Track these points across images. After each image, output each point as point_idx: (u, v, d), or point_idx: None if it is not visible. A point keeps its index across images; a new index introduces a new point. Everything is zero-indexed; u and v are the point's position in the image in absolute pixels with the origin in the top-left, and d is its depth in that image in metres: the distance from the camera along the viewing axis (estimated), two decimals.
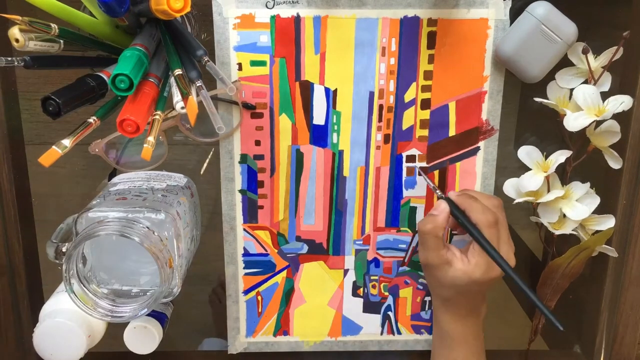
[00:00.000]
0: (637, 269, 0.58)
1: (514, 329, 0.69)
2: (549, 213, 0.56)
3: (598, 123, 0.53)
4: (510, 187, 0.56)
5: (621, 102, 0.51)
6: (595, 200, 0.55)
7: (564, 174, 0.56)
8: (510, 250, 0.53)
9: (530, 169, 0.55)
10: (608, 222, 0.55)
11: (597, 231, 0.56)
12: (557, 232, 0.56)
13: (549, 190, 0.55)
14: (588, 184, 0.55)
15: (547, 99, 0.55)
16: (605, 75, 0.53)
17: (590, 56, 0.52)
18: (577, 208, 0.55)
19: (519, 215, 0.65)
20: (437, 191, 0.55)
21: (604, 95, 0.52)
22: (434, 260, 0.52)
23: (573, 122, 0.51)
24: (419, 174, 0.57)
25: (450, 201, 0.53)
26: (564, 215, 0.55)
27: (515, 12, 0.53)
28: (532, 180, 0.54)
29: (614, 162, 0.54)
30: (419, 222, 0.54)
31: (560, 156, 0.54)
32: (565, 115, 0.52)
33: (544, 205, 0.56)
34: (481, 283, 0.52)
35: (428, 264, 0.53)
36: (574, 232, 0.56)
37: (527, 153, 0.55)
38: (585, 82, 0.53)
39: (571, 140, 0.55)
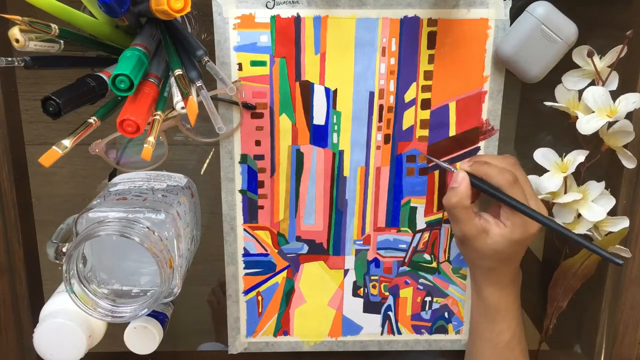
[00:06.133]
0: (637, 269, 0.58)
1: None
2: (564, 214, 0.56)
3: (610, 123, 0.53)
4: None
5: (633, 102, 0.50)
6: (611, 201, 0.55)
7: (578, 174, 0.56)
8: (539, 201, 0.52)
9: (527, 169, 0.55)
10: (622, 223, 0.55)
11: (610, 232, 0.56)
12: None
13: (566, 190, 0.55)
14: (603, 184, 0.55)
15: (552, 100, 0.55)
16: (612, 74, 0.53)
17: (596, 58, 0.52)
18: (593, 209, 0.54)
19: None
20: (451, 167, 0.54)
21: (613, 94, 0.52)
22: (470, 231, 0.51)
23: (586, 125, 0.51)
24: (427, 159, 0.56)
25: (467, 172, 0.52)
26: (579, 216, 0.55)
27: (515, 12, 0.53)
28: (551, 181, 0.54)
29: (628, 162, 0.54)
30: (443, 199, 0.53)
31: (578, 156, 0.53)
32: (576, 117, 0.52)
33: (560, 206, 0.55)
34: (521, 242, 0.51)
35: (465, 236, 0.52)
36: (588, 233, 0.56)
37: (543, 155, 0.55)
38: (592, 82, 0.53)
39: (584, 140, 0.55)
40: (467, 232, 0.51)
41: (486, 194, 0.52)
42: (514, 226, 0.50)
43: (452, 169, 0.54)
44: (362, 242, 0.60)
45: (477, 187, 0.52)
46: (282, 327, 0.62)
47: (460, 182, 0.52)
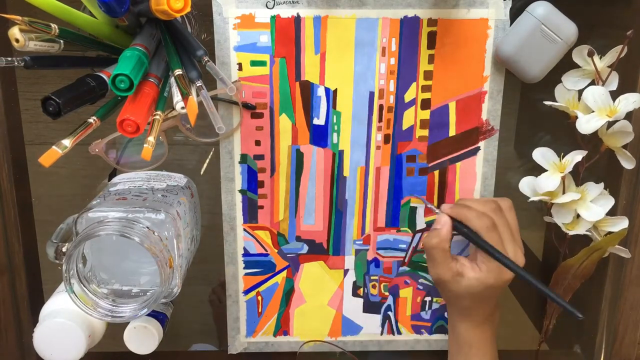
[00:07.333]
0: (637, 269, 0.58)
1: (514, 329, 0.69)
2: (563, 214, 0.56)
3: (610, 123, 0.53)
4: (526, 185, 0.56)
5: (633, 101, 0.50)
6: (610, 202, 0.55)
7: (577, 174, 0.56)
8: (518, 249, 0.53)
9: (527, 169, 0.55)
10: (621, 224, 0.55)
11: (610, 232, 0.56)
12: (570, 233, 0.56)
13: (564, 191, 0.55)
14: (602, 185, 0.55)
15: (552, 100, 0.55)
16: (612, 74, 0.53)
17: (596, 58, 0.52)
18: (592, 209, 0.54)
19: (520, 214, 0.65)
20: (436, 209, 0.56)
21: (612, 94, 0.52)
22: (445, 274, 0.53)
23: (586, 124, 0.51)
24: (421, 200, 0.58)
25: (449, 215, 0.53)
26: (578, 216, 0.55)
27: (515, 12, 0.53)
28: (549, 181, 0.54)
29: (627, 163, 0.54)
30: (423, 238, 0.54)
31: (575, 156, 0.53)
32: (575, 117, 0.52)
33: (559, 206, 0.55)
34: (495, 287, 0.52)
35: (440, 279, 0.53)
36: (588, 233, 0.56)
37: (542, 154, 0.55)
38: (592, 82, 0.53)
39: (583, 140, 0.55)
40: (442, 274, 0.53)
41: (465, 238, 0.53)
42: (489, 271, 0.52)
43: (437, 211, 0.55)
44: (362, 242, 0.60)
45: (458, 230, 0.53)
46: (282, 327, 0.62)
47: (442, 225, 0.53)
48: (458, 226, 0.53)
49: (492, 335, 0.55)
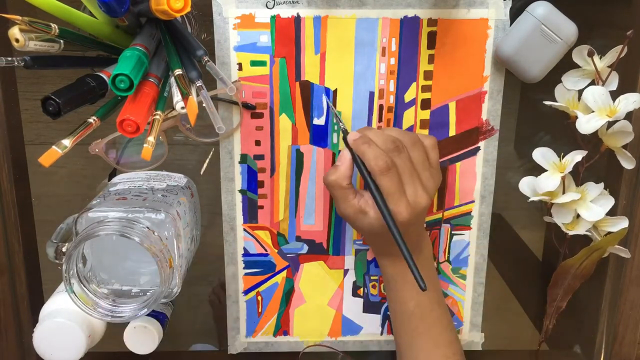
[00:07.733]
0: (637, 269, 0.58)
1: (514, 329, 0.69)
2: (563, 214, 0.56)
3: (610, 123, 0.53)
4: (526, 185, 0.56)
5: (633, 101, 0.50)
6: (610, 202, 0.55)
7: (577, 174, 0.56)
8: (420, 189, 0.49)
9: (527, 169, 0.55)
10: (621, 224, 0.55)
11: (610, 232, 0.56)
12: (570, 233, 0.56)
13: (564, 191, 0.55)
14: (602, 185, 0.55)
15: (552, 100, 0.55)
16: (612, 74, 0.53)
17: (596, 58, 0.52)
18: (592, 209, 0.54)
19: (520, 214, 0.65)
20: (341, 122, 0.53)
21: (612, 94, 0.52)
22: (347, 210, 0.51)
23: (586, 125, 0.51)
24: (328, 105, 0.55)
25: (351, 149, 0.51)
26: (578, 216, 0.55)
27: (515, 12, 0.53)
28: (549, 181, 0.54)
29: (627, 163, 0.54)
30: (324, 175, 0.52)
31: (575, 156, 0.53)
32: (575, 117, 0.52)
33: (559, 206, 0.55)
34: (400, 225, 0.49)
35: (343, 215, 0.52)
36: (588, 233, 0.56)
37: (542, 154, 0.55)
38: (592, 82, 0.53)
39: (583, 140, 0.55)
40: (344, 211, 0.51)
41: (361, 175, 0.50)
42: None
43: (341, 123, 0.53)
44: (361, 242, 0.60)
45: (357, 167, 0.50)
46: (282, 327, 0.62)
47: (342, 162, 0.51)
48: (357, 163, 0.50)
49: (422, 267, 0.50)
